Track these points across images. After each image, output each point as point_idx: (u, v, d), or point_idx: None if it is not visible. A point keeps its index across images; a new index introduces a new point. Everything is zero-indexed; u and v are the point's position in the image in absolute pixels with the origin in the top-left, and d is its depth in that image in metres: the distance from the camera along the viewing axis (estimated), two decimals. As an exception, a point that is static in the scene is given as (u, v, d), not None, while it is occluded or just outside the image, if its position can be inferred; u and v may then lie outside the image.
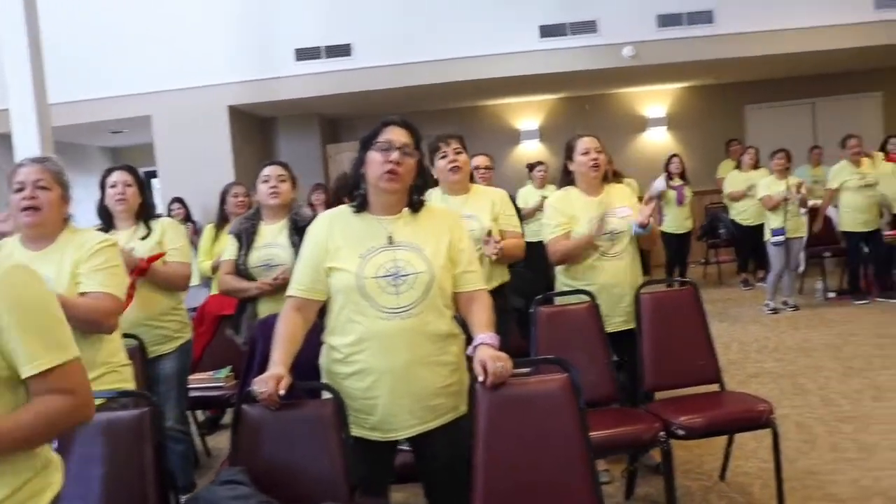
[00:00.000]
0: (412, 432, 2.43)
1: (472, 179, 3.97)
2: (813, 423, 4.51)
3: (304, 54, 8.94)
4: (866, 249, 7.84)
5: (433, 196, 3.79)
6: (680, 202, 8.51)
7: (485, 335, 2.42)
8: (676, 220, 8.51)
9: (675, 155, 8.62)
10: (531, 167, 8.45)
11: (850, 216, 7.77)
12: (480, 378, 2.36)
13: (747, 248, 8.96)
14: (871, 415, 4.57)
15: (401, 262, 2.40)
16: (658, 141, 11.43)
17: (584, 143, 3.84)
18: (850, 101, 11.59)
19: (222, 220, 5.47)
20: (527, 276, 4.32)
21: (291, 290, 2.50)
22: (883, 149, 8.54)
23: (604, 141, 3.93)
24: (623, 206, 3.83)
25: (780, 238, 7.41)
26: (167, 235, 3.66)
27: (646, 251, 3.95)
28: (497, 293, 3.70)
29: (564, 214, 3.82)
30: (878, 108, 11.66)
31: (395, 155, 2.40)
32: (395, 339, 2.37)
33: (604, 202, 3.81)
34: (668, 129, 11.51)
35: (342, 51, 8.92)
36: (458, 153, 3.75)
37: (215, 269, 4.98)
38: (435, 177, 3.79)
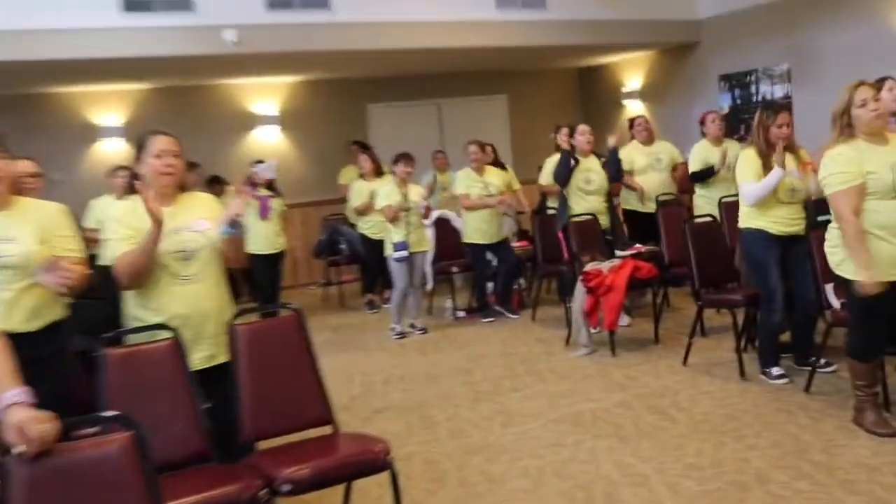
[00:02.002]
0: None
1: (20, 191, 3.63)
2: (441, 459, 4.79)
3: None
4: (495, 262, 8.56)
5: None
6: (264, 215, 8.45)
7: (14, 391, 2.24)
8: (264, 238, 8.47)
9: (259, 161, 8.69)
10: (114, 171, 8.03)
11: (475, 227, 8.44)
12: (18, 448, 2.18)
13: (376, 265, 9.34)
14: (499, 443, 4.98)
15: None
16: (270, 141, 11.58)
17: (159, 143, 3.72)
18: (477, 103, 12.74)
19: None
20: (97, 308, 4.05)
21: None
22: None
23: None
24: (200, 219, 3.76)
25: (403, 253, 7.82)
26: None
27: (235, 272, 3.92)
28: (50, 333, 3.46)
29: (130, 227, 3.66)
30: (503, 110, 12.95)
31: None
32: None
33: (174, 214, 3.72)
34: (282, 129, 11.71)
35: None
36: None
37: None
38: None
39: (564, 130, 8.32)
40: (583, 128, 7.82)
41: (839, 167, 4.39)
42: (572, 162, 7.65)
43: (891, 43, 8.51)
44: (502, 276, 8.60)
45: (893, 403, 4.84)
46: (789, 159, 5.50)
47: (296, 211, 11.17)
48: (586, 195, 7.70)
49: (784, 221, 5.48)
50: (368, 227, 9.26)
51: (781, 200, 5.44)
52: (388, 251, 7.96)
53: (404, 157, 8.03)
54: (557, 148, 8.50)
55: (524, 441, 4.98)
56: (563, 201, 7.74)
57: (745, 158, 5.53)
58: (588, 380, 6.15)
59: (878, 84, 5.70)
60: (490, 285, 8.68)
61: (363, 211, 9.15)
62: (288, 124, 11.75)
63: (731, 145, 8.16)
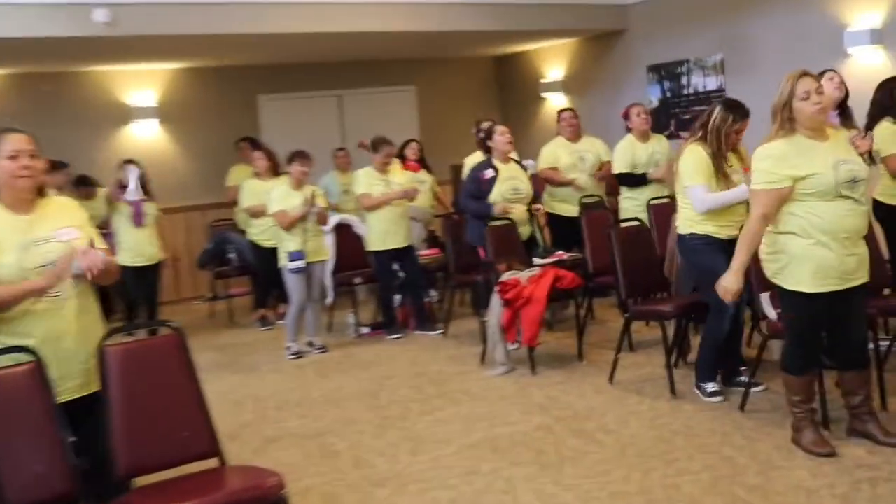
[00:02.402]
0: None
1: None
2: (342, 492, 4.79)
3: None
4: (402, 273, 8.57)
5: None
6: (138, 222, 8.32)
7: None
8: (137, 248, 8.33)
9: (130, 161, 8.57)
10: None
11: (379, 231, 8.41)
12: None
13: (269, 276, 9.27)
14: (407, 473, 4.99)
15: None
16: (148, 137, 11.42)
17: (12, 142, 3.65)
18: (382, 95, 12.72)
19: None
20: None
21: None
22: (401, 154, 9.47)
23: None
24: (65, 228, 3.70)
25: (299, 263, 7.78)
26: None
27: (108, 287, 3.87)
28: None
29: None
30: (412, 103, 12.97)
31: None
32: None
33: (35, 223, 3.67)
34: (161, 122, 11.53)
35: None
36: None
37: None
38: None
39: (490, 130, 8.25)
40: (502, 128, 7.85)
41: (768, 165, 4.49)
42: (491, 172, 7.68)
43: (828, 32, 8.77)
44: (410, 292, 8.65)
45: (833, 420, 4.99)
46: (733, 158, 5.64)
47: (178, 216, 11.03)
48: (513, 204, 7.78)
49: (732, 224, 5.58)
50: (259, 233, 9.20)
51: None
52: (283, 261, 7.90)
53: (300, 156, 7.97)
54: (480, 144, 8.47)
55: (435, 470, 4.99)
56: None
57: (694, 157, 5.57)
58: (505, 401, 6.20)
59: (819, 77, 5.89)
60: (398, 298, 8.71)
61: (256, 213, 9.09)
62: (168, 117, 11.56)
63: (659, 141, 8.33)
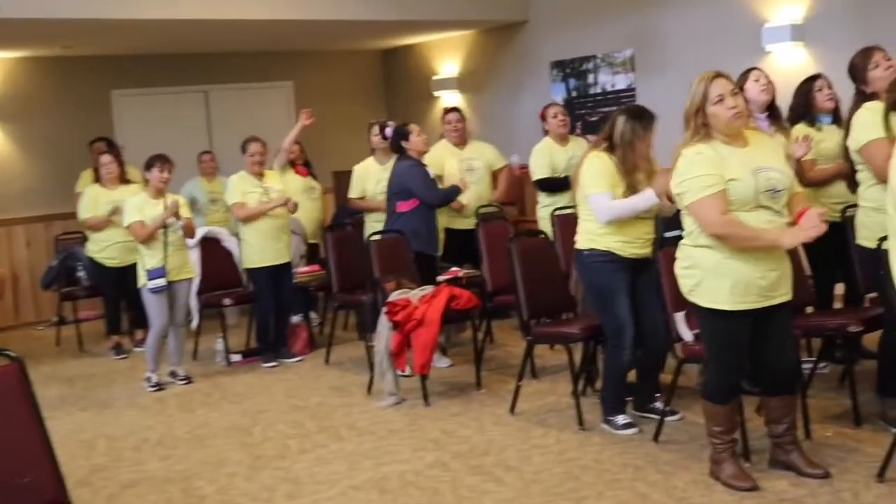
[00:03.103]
0: None
1: None
2: (211, 543, 4.74)
3: None
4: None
5: None
6: None
7: None
8: None
9: None
10: None
11: (257, 245, 8.31)
12: None
13: (116, 299, 9.12)
14: (284, 519, 4.96)
15: None
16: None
17: None
18: (255, 91, 12.70)
19: None
20: None
21: None
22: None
23: None
24: None
25: (160, 282, 7.66)
26: None
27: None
28: None
29: None
30: (288, 100, 12.93)
31: None
32: None
33: None
34: (-1, 120, 11.35)
35: None
36: None
37: None
38: None
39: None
40: (418, 128, 7.94)
41: (700, 169, 4.51)
42: (431, 170, 7.85)
43: (746, 28, 9.00)
44: (274, 311, 8.53)
45: (754, 451, 5.11)
46: (642, 174, 5.68)
47: (17, 228, 10.83)
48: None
49: (637, 242, 5.67)
50: (100, 249, 9.11)
51: (639, 215, 5.64)
52: (142, 280, 7.77)
53: (160, 160, 7.85)
54: (392, 145, 8.39)
55: (316, 516, 4.98)
56: (426, 216, 7.82)
57: (599, 162, 5.62)
58: (396, 436, 6.20)
59: (744, 77, 6.00)
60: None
61: (97, 225, 8.94)
62: (6, 114, 11.33)
63: (579, 144, 8.42)
